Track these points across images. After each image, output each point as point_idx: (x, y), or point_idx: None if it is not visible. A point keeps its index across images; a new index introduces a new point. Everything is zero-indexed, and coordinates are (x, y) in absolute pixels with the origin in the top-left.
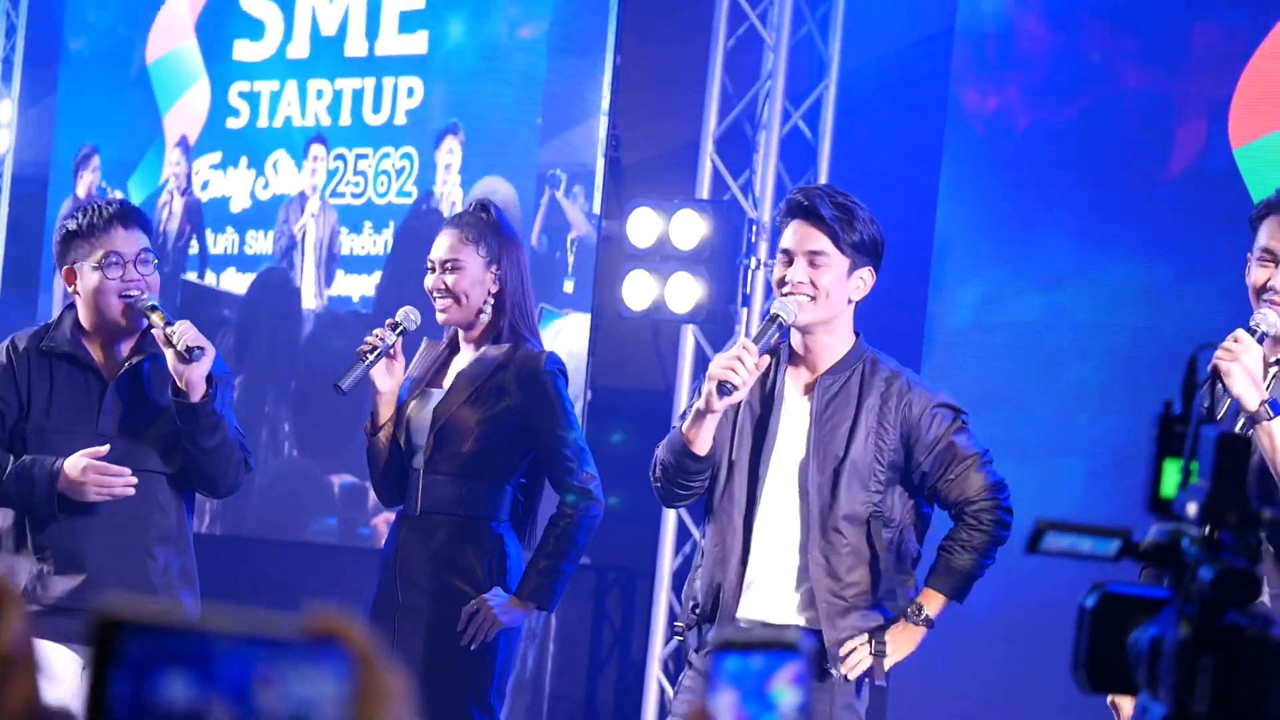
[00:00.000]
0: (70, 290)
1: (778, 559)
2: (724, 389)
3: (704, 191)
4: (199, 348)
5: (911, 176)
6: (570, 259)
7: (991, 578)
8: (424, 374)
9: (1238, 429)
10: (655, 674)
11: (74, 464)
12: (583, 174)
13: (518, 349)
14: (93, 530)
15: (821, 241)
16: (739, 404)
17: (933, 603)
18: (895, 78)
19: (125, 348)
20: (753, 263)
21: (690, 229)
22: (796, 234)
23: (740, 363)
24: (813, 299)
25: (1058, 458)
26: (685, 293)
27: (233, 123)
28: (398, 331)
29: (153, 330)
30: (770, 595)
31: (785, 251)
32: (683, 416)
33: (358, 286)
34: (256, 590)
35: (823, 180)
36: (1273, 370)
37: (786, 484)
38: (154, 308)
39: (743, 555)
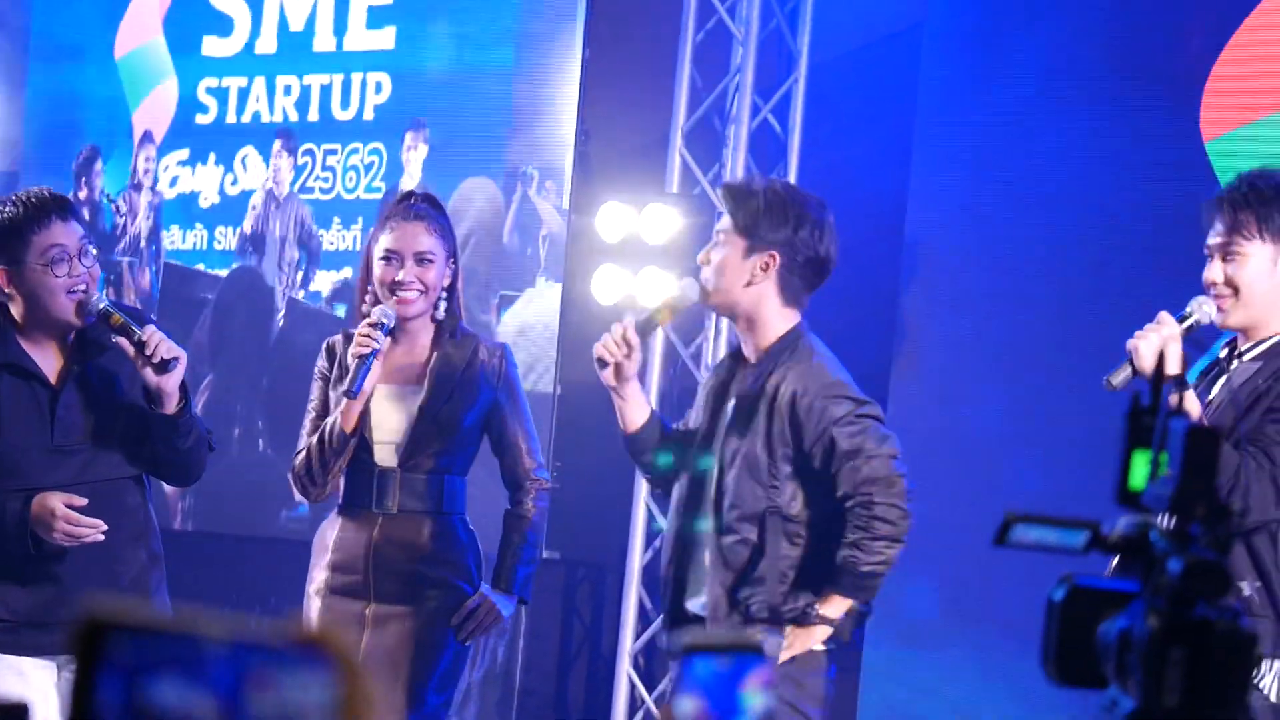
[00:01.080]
0: (6, 291)
1: (700, 556)
2: (600, 364)
3: (674, 186)
4: (174, 358)
5: (881, 170)
6: (542, 255)
7: (961, 567)
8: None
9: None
10: (625, 668)
11: (44, 508)
12: (553, 170)
13: (479, 343)
14: (59, 547)
15: (725, 223)
16: (716, 400)
17: (828, 603)
18: (864, 72)
19: (68, 349)
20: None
21: (660, 223)
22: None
23: (613, 339)
24: (709, 280)
25: (1021, 448)
26: (655, 287)
27: (201, 119)
28: (385, 331)
29: (116, 339)
30: (700, 592)
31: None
32: None
33: (328, 282)
34: (229, 586)
35: (792, 174)
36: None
37: (708, 478)
38: (109, 312)
39: (673, 550)
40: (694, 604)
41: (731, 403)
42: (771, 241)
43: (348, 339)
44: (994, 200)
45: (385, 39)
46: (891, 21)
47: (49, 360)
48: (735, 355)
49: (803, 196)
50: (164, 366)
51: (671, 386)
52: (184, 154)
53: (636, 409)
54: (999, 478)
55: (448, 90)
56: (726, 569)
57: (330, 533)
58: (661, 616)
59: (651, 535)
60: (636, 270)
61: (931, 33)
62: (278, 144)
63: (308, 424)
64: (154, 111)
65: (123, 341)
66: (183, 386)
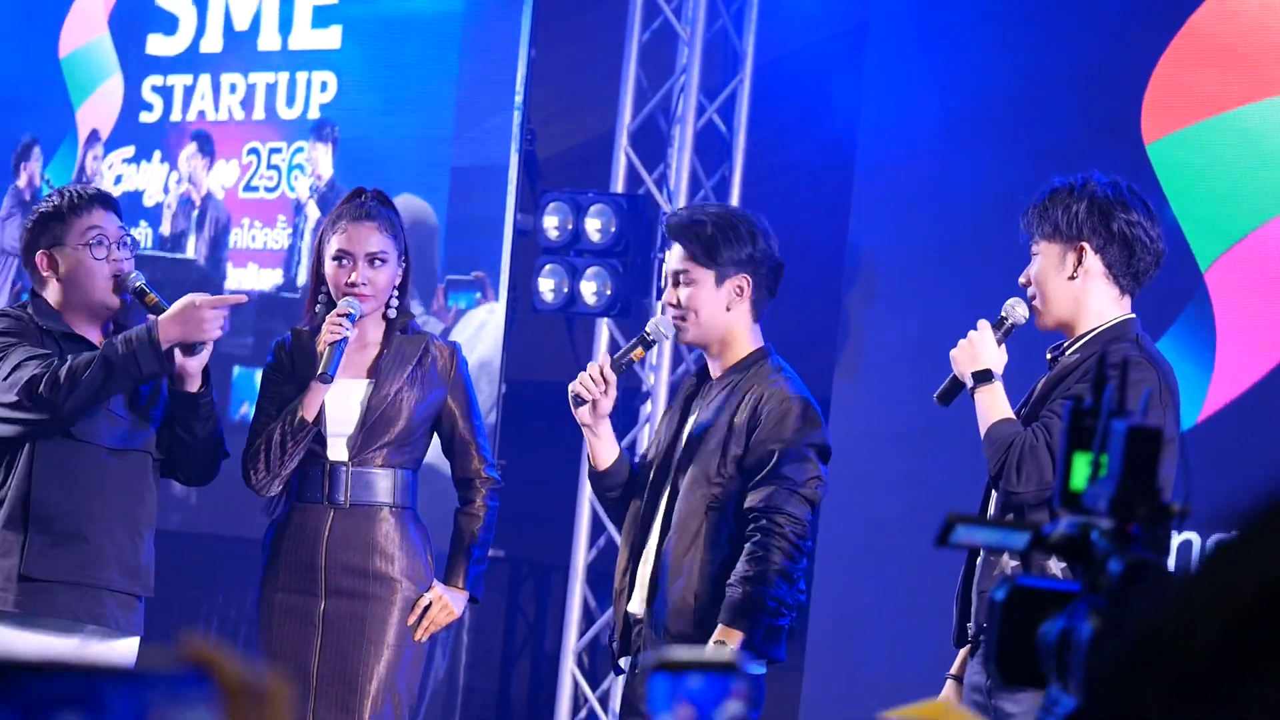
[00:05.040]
0: (44, 275)
1: (649, 558)
2: (577, 401)
3: (618, 185)
4: (201, 341)
5: (826, 170)
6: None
7: (903, 568)
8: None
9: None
10: (569, 667)
11: (186, 304)
12: (496, 168)
13: (430, 340)
14: (95, 505)
15: (683, 261)
16: (680, 416)
17: (728, 636)
18: (810, 72)
19: (107, 328)
20: (666, 257)
21: (604, 223)
22: (676, 255)
23: (589, 376)
24: (683, 319)
25: (963, 450)
26: (599, 286)
27: (146, 117)
28: (352, 320)
29: (150, 316)
30: (643, 589)
31: (666, 274)
32: None
33: (273, 280)
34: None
35: (738, 174)
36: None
37: (662, 484)
38: (144, 290)
39: (626, 555)
40: (636, 609)
41: (694, 418)
42: (738, 263)
43: (296, 336)
44: (938, 202)
45: (330, 38)
46: (836, 22)
47: (93, 339)
48: (700, 375)
49: (740, 211)
50: (192, 348)
51: (617, 385)
52: (129, 151)
53: (608, 447)
54: (941, 479)
55: (391, 88)
56: (670, 573)
57: (283, 530)
58: (611, 624)
59: (596, 533)
60: (580, 270)
61: (876, 33)
62: (192, 146)
63: (259, 420)
64: (99, 110)
65: (154, 320)
66: (206, 373)
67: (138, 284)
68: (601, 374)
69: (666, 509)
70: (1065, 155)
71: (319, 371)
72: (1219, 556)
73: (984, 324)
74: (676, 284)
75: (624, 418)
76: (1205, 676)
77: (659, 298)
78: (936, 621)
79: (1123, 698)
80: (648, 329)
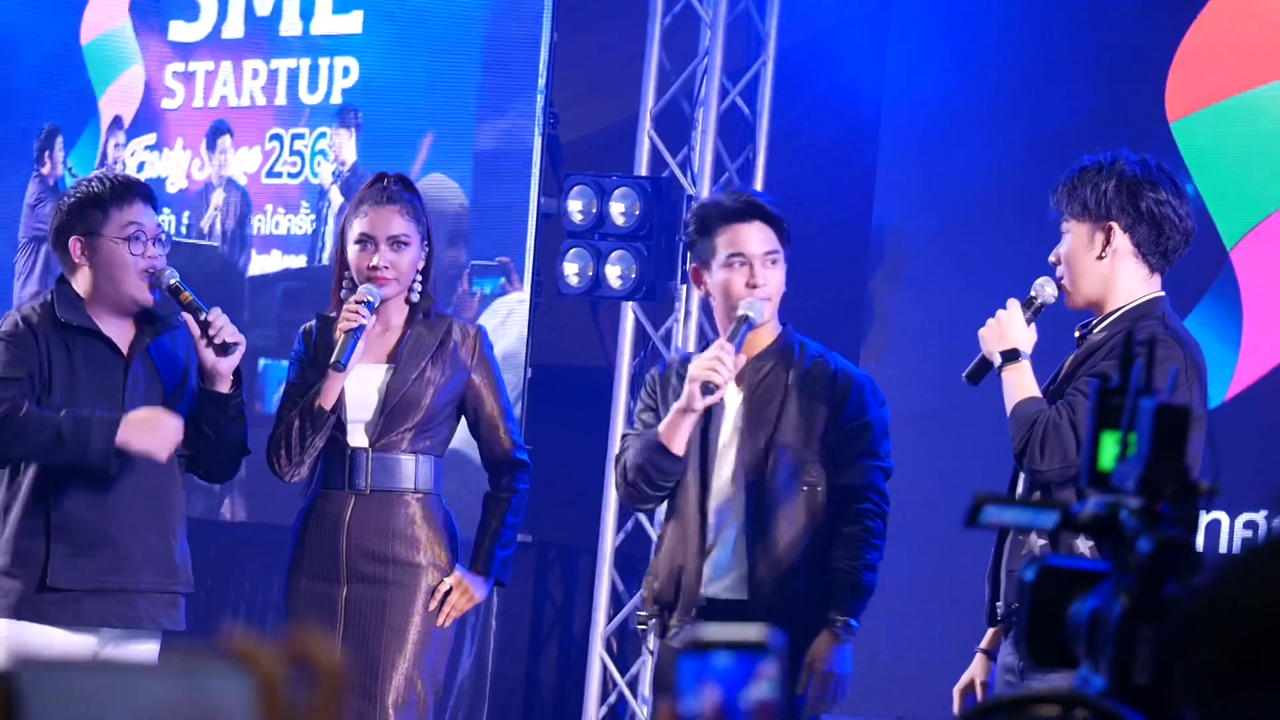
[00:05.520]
0: (76, 261)
1: (728, 539)
2: (707, 389)
3: (642, 169)
4: (234, 343)
5: (850, 151)
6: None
7: (932, 549)
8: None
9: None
10: (598, 652)
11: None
12: (520, 152)
13: (452, 323)
14: (120, 509)
15: (773, 241)
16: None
17: (841, 621)
18: (833, 53)
19: (132, 324)
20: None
21: (628, 206)
22: (761, 234)
23: (720, 363)
24: (769, 299)
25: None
26: (624, 270)
27: (168, 103)
28: (370, 308)
29: (184, 313)
30: (724, 575)
31: (742, 255)
32: (625, 431)
33: (297, 265)
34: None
35: (761, 156)
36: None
37: (729, 466)
38: (179, 288)
39: (700, 538)
40: (720, 589)
41: (741, 397)
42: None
43: (322, 322)
44: (963, 183)
45: (352, 23)
46: (859, 3)
47: (118, 332)
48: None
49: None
50: (225, 349)
51: (642, 370)
52: (151, 139)
53: (689, 431)
54: (968, 459)
55: (414, 73)
56: (765, 553)
57: (308, 516)
58: (656, 601)
59: (624, 517)
60: (605, 254)
61: (899, 14)
62: (225, 139)
63: (284, 404)
64: (122, 96)
65: (188, 318)
66: (238, 374)
67: (172, 281)
68: (729, 356)
69: (748, 490)
70: (1089, 134)
71: (332, 360)
72: (1268, 541)
73: (1013, 303)
74: (764, 265)
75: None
76: (1250, 658)
77: (684, 281)
78: (966, 601)
79: (1168, 677)
80: (745, 311)
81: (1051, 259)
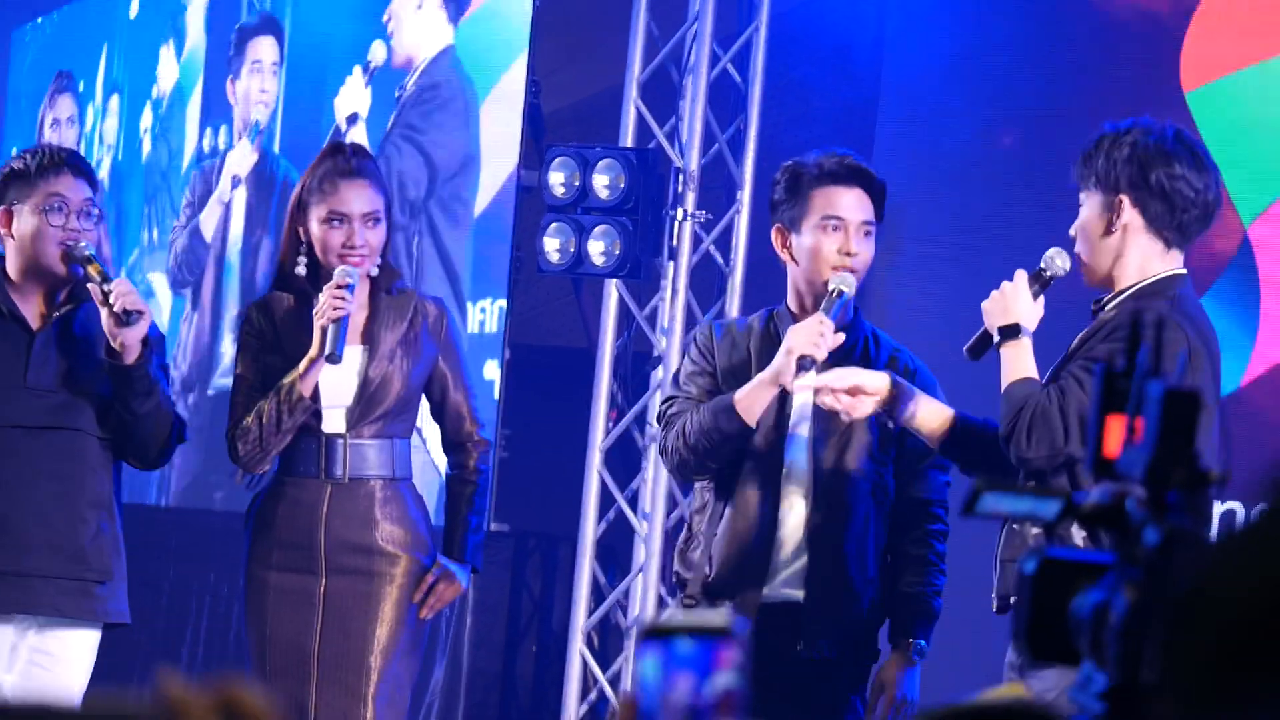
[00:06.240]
0: (4, 233)
1: (794, 533)
2: (804, 363)
3: (628, 139)
4: (136, 311)
5: (846, 122)
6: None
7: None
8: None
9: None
10: (578, 647)
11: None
12: (501, 122)
13: (418, 300)
14: (22, 491)
15: (871, 212)
16: (738, 372)
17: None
18: (829, 19)
19: (51, 298)
20: (679, 214)
21: (612, 179)
22: (860, 202)
23: (823, 337)
24: (857, 271)
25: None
26: (607, 246)
27: None
28: (351, 291)
29: (88, 284)
30: (785, 570)
31: (839, 219)
32: (671, 394)
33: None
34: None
35: (753, 127)
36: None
37: (801, 456)
38: (90, 258)
39: (770, 529)
40: (779, 585)
41: (814, 380)
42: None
43: (275, 301)
44: (964, 155)
45: None
46: None
47: (32, 306)
48: (770, 325)
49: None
50: (125, 318)
51: (625, 350)
52: None
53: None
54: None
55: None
56: (829, 551)
57: (274, 506)
58: (702, 588)
59: (606, 505)
60: (588, 228)
61: None
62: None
63: (242, 392)
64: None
65: (92, 288)
66: (147, 346)
67: (86, 252)
68: (830, 333)
69: (814, 486)
70: (1100, 105)
71: (326, 351)
72: (1263, 523)
73: (1021, 275)
74: (859, 234)
75: (635, 384)
76: (1246, 648)
77: (671, 257)
78: (969, 586)
79: (1159, 668)
80: (837, 285)
81: (1072, 231)
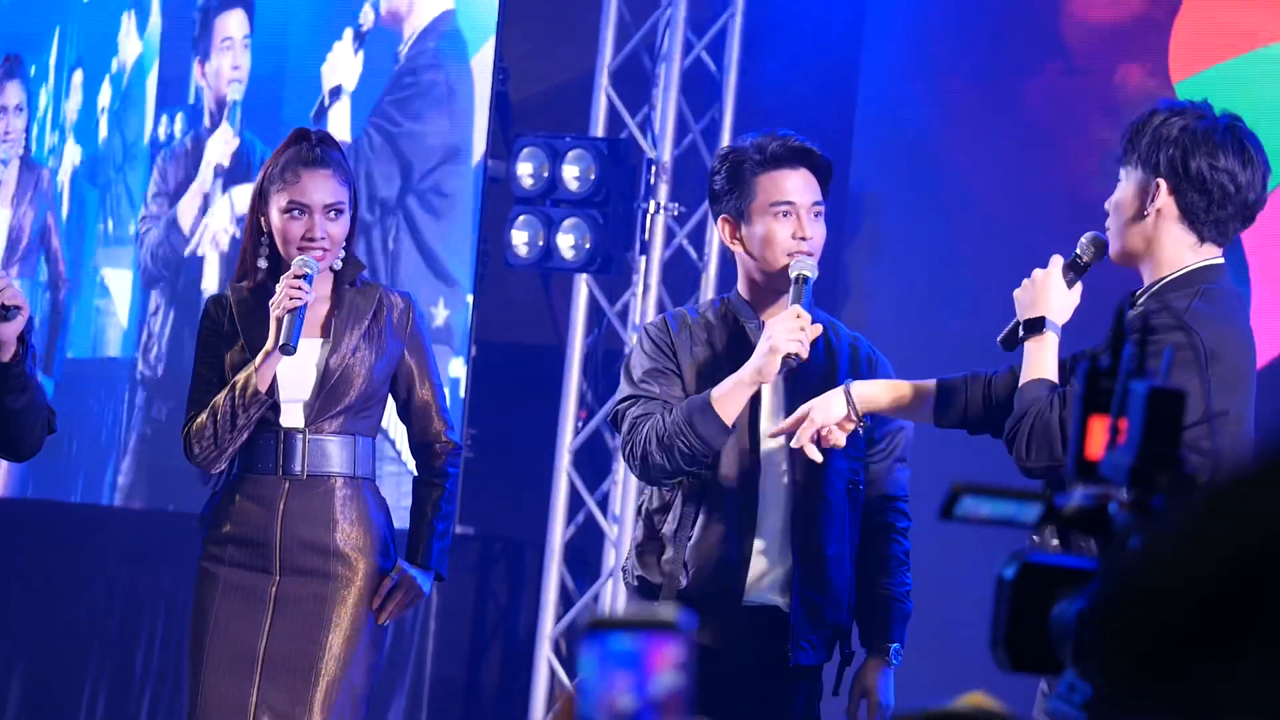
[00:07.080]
0: None
1: (773, 536)
2: (790, 361)
3: (598, 129)
4: (15, 306)
5: (824, 113)
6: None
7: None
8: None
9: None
10: (545, 654)
11: None
12: (467, 112)
13: (383, 292)
14: None
15: (819, 191)
16: (705, 368)
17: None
18: (806, 4)
19: None
20: (651, 206)
21: (583, 170)
22: (807, 183)
23: (803, 331)
24: (813, 255)
25: None
26: (577, 239)
27: None
28: (309, 281)
29: None
30: (767, 574)
31: (789, 204)
32: (630, 393)
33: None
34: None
35: (728, 117)
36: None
37: (776, 455)
38: None
39: (748, 532)
40: (762, 589)
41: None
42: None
43: (234, 294)
44: (946, 146)
45: None
46: None
47: None
48: (727, 316)
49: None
50: (4, 313)
51: (596, 348)
52: None
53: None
54: (948, 440)
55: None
56: (806, 550)
57: (229, 501)
58: (677, 591)
59: (575, 508)
60: (557, 221)
61: None
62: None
63: (199, 389)
64: None
65: None
66: (25, 344)
67: None
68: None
69: (791, 486)
70: (1088, 94)
71: (280, 342)
72: (1218, 501)
73: (1056, 261)
74: (811, 216)
75: (605, 382)
76: (1195, 635)
77: (643, 251)
78: (943, 587)
79: (1101, 655)
80: (799, 270)
81: (1108, 205)
